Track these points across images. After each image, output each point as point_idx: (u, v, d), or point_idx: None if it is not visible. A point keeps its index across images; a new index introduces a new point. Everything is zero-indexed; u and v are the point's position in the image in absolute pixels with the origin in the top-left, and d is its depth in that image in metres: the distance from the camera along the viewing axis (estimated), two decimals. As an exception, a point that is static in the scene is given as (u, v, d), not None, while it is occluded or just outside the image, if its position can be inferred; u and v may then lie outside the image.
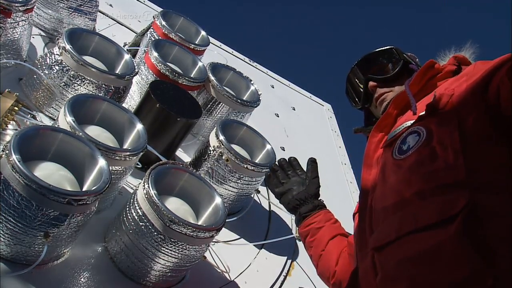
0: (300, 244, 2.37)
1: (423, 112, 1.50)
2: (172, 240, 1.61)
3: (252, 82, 2.81)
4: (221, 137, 2.17)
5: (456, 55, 1.76)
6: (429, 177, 1.37)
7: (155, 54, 2.38)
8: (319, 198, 1.98)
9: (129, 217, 1.66)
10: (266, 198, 2.57)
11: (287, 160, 2.13)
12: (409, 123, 1.55)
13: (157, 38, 2.64)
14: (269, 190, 2.22)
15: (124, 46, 2.72)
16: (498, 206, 1.27)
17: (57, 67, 2.03)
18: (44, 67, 2.07)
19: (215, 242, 2.07)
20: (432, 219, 1.29)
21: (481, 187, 1.29)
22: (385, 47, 1.97)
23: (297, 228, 2.02)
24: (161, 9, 2.98)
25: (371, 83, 1.92)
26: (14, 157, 1.37)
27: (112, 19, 3.15)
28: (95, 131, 1.81)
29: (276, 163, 2.15)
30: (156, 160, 1.84)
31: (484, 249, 1.22)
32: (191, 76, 2.53)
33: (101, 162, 1.60)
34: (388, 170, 1.50)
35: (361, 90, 1.95)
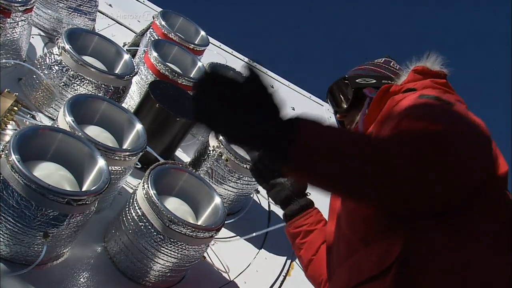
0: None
1: None
2: (172, 240, 1.61)
3: (251, 82, 2.81)
4: (221, 137, 2.17)
5: (415, 67, 1.73)
6: (368, 221, 1.38)
7: (155, 54, 2.38)
8: (308, 194, 1.86)
9: (129, 217, 1.66)
10: (265, 198, 2.57)
11: None
12: None
13: (156, 38, 2.64)
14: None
15: (123, 46, 2.72)
16: (433, 251, 1.26)
17: (56, 67, 2.03)
18: (43, 67, 2.06)
19: (216, 240, 2.07)
20: (373, 271, 1.30)
21: (416, 232, 1.28)
22: (338, 79, 1.95)
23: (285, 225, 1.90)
24: (161, 9, 2.98)
25: (337, 116, 1.95)
26: (14, 157, 1.37)
27: (112, 19, 3.14)
28: (94, 131, 1.81)
29: None
30: (156, 160, 1.84)
31: None
32: (191, 76, 2.53)
33: (101, 162, 1.60)
34: (339, 210, 1.53)
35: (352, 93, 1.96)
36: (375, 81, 1.87)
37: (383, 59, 1.94)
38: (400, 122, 1.32)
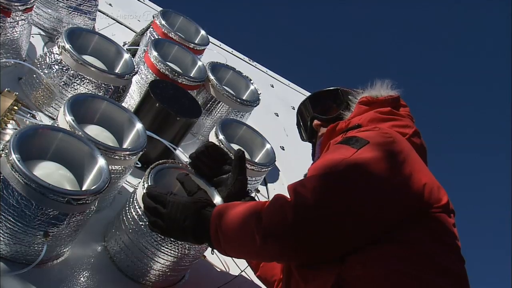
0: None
1: None
2: (172, 239, 1.61)
3: (251, 81, 2.82)
4: (221, 137, 2.17)
5: (361, 99, 1.79)
6: (305, 263, 1.47)
7: (155, 53, 2.38)
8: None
9: (129, 217, 1.66)
10: (265, 197, 2.57)
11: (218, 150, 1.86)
12: None
13: (156, 37, 2.64)
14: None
15: (123, 45, 2.71)
16: (365, 283, 1.34)
17: (56, 67, 2.03)
18: (43, 67, 2.06)
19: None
20: None
21: (346, 265, 1.36)
22: (332, 88, 2.00)
23: None
24: (161, 9, 2.98)
25: (315, 122, 1.99)
26: (14, 157, 1.37)
27: (112, 18, 3.14)
28: (94, 131, 1.80)
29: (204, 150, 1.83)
30: (156, 159, 1.83)
31: None
32: (191, 75, 2.53)
33: (101, 162, 1.60)
34: None
35: (308, 125, 2.03)
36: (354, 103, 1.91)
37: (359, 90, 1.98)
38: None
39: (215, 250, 1.53)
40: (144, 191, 1.57)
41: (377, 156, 1.43)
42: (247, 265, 1.97)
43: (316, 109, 2.02)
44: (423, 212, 1.43)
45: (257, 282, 2.07)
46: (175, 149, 2.13)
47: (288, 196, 1.41)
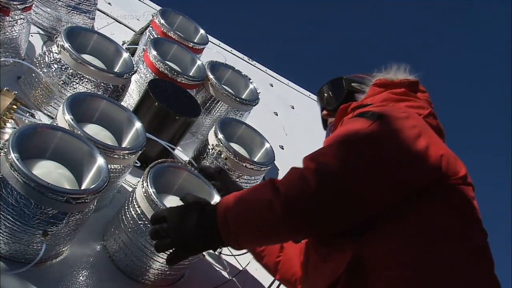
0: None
1: None
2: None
3: (251, 80, 2.81)
4: (220, 136, 2.17)
5: (376, 81, 1.77)
6: (323, 241, 1.45)
7: (154, 52, 2.38)
8: None
9: (128, 216, 1.66)
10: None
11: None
12: None
13: (156, 36, 2.64)
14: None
15: (123, 44, 2.71)
16: (383, 257, 1.32)
17: (55, 66, 2.03)
18: (42, 66, 2.06)
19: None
20: (327, 284, 1.36)
21: (363, 241, 1.35)
22: (335, 78, 2.00)
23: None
24: (160, 8, 2.98)
25: (324, 112, 2.02)
26: (13, 156, 1.37)
27: (111, 17, 3.14)
28: (93, 130, 1.80)
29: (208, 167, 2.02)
30: (155, 159, 1.83)
31: None
32: (190, 74, 2.53)
33: (100, 161, 1.60)
34: None
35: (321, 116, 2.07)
36: (362, 90, 1.88)
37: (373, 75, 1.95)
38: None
39: (225, 249, 1.49)
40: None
41: (393, 128, 1.41)
42: (247, 264, 1.97)
43: (323, 100, 2.03)
44: (441, 184, 1.41)
45: (257, 281, 2.07)
46: (173, 149, 2.13)
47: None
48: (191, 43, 2.73)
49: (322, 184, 1.30)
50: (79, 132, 1.65)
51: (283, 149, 3.14)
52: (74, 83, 2.03)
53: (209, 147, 2.20)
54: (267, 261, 1.89)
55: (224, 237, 1.38)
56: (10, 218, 1.40)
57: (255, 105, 2.70)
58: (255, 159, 2.33)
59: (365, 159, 1.34)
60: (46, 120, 2.03)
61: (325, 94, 2.02)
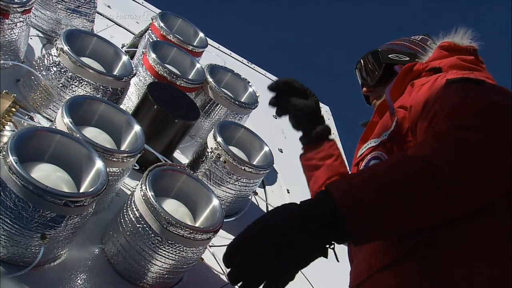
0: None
1: (385, 137, 1.44)
2: (169, 242, 1.61)
3: (250, 83, 2.82)
4: (219, 139, 2.17)
5: (442, 43, 1.64)
6: None
7: (153, 55, 2.38)
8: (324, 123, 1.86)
9: (126, 219, 1.66)
10: (263, 200, 2.57)
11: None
12: (372, 142, 1.50)
13: (155, 39, 2.64)
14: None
15: (122, 47, 2.71)
16: (458, 237, 1.17)
17: (54, 68, 2.03)
18: (41, 68, 2.06)
19: (213, 241, 2.07)
20: (395, 255, 1.23)
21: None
22: (371, 51, 1.88)
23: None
24: (160, 11, 2.98)
25: (364, 89, 1.93)
26: (11, 158, 1.37)
27: (110, 20, 3.14)
28: (92, 133, 1.80)
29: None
30: (154, 162, 1.83)
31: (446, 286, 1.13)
32: (189, 77, 2.53)
33: (99, 164, 1.60)
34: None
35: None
36: (408, 58, 1.77)
37: (420, 36, 1.86)
38: (434, 119, 1.23)
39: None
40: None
41: (508, 96, 1.26)
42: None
43: (362, 76, 1.93)
44: None
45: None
46: (169, 157, 2.12)
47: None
48: (191, 46, 2.73)
49: (497, 139, 1.09)
50: (78, 135, 1.65)
51: (282, 152, 3.14)
52: (73, 86, 2.03)
53: (208, 150, 2.19)
54: (311, 186, 1.85)
55: (353, 224, 1.04)
56: (8, 221, 1.39)
57: (254, 108, 2.70)
58: (254, 162, 2.33)
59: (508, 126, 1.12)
60: (45, 123, 2.03)
61: (362, 70, 1.91)
